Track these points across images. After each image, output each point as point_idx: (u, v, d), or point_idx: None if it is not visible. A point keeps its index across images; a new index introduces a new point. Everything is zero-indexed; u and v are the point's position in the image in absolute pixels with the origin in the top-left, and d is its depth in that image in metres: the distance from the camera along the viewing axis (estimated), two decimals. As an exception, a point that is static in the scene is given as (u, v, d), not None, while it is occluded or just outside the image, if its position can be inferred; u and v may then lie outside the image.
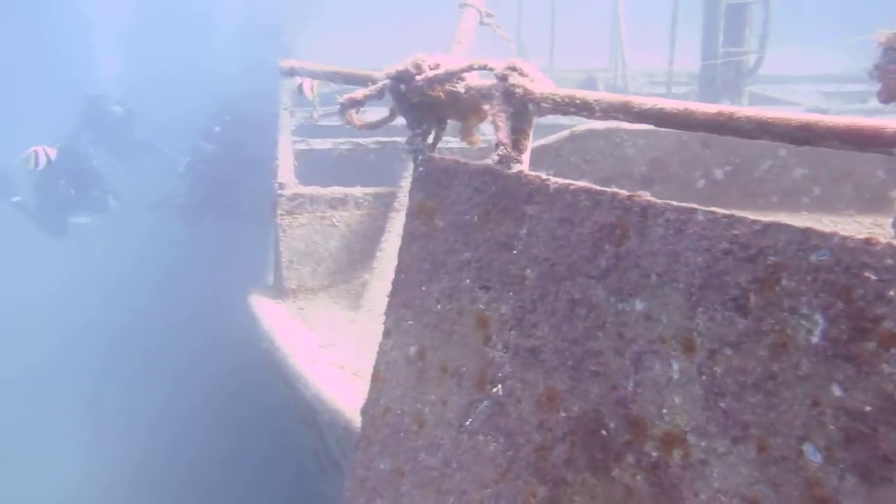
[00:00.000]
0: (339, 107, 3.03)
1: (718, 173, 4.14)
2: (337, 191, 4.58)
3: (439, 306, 2.48)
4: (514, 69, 2.16)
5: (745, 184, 4.07)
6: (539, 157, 4.47)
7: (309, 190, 4.56)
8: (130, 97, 13.12)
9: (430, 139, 2.71)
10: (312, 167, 5.62)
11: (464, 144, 2.64)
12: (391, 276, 4.19)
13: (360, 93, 2.89)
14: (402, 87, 2.62)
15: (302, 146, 6.01)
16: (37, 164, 5.77)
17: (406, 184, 4.35)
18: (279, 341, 3.91)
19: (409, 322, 2.63)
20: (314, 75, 3.86)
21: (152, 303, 11.80)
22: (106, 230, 12.07)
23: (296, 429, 5.06)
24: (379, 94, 2.90)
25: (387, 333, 2.73)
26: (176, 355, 10.92)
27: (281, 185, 4.53)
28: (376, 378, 2.74)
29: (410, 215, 2.69)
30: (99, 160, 11.76)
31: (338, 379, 3.42)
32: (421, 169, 2.67)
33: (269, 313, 4.35)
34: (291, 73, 4.15)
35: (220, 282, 11.59)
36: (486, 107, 2.57)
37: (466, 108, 2.57)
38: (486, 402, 2.29)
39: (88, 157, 11.48)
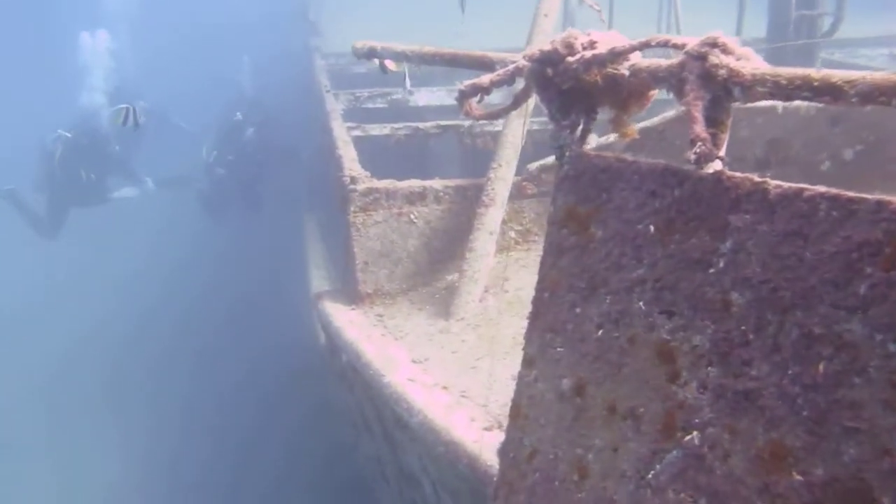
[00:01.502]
0: (458, 93, 2.62)
1: (848, 153, 3.69)
2: (414, 184, 4.17)
3: (601, 333, 2.08)
4: (714, 44, 1.73)
5: (881, 164, 3.62)
6: (639, 141, 4.03)
7: (384, 184, 4.16)
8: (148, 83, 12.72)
9: (579, 132, 2.29)
10: (367, 155, 5.23)
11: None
12: (484, 280, 3.79)
13: (486, 78, 2.47)
14: (549, 70, 2.19)
15: (357, 132, 5.60)
16: (125, 121, 5.35)
17: (496, 175, 3.94)
18: (368, 355, 3.52)
19: (559, 350, 2.23)
20: (399, 57, 3.44)
21: (177, 296, 11.55)
22: (125, 215, 11.73)
23: (366, 448, 4.71)
24: (509, 80, 2.48)
25: (528, 362, 2.33)
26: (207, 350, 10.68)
27: (353, 180, 4.13)
28: (517, 414, 2.34)
29: (555, 223, 2.28)
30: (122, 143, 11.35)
31: (447, 404, 3.03)
32: (569, 168, 2.24)
33: (348, 322, 3.96)
34: (370, 55, 3.74)
35: (245, 274, 11.33)
36: (653, 92, 2.16)
37: (629, 95, 2.14)
38: (676, 453, 1.88)
39: (111, 141, 11.06)
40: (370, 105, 7.00)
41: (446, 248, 4.20)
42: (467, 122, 5.67)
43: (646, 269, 1.98)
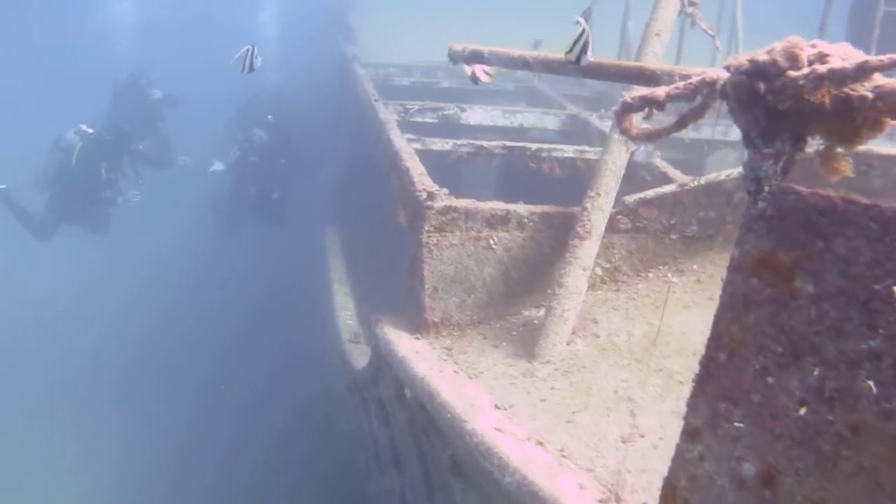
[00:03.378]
0: (619, 106, 2.22)
1: None
2: (497, 206, 3.76)
3: (806, 412, 1.66)
4: None
5: None
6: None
7: (464, 203, 3.75)
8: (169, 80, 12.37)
9: (781, 163, 1.89)
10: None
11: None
12: (573, 320, 3.38)
13: (660, 91, 2.07)
14: (762, 85, 1.79)
15: (417, 145, 5.21)
16: (244, 66, 4.89)
17: (594, 205, 3.54)
18: (444, 395, 3.10)
19: (739, 425, 1.81)
20: (514, 64, 3.06)
21: (187, 304, 11.17)
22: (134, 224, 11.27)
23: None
24: (692, 94, 2.09)
25: (692, 434, 1.91)
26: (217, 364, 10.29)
27: (431, 196, 3.72)
28: (671, 496, 1.93)
29: (742, 270, 1.87)
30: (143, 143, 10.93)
31: (547, 464, 2.60)
32: (768, 205, 1.84)
33: (413, 352, 3.54)
34: (472, 59, 3.35)
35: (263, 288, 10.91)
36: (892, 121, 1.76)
37: (863, 121, 1.75)
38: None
39: (135, 139, 10.62)
40: (419, 119, 6.62)
41: (525, 279, 3.79)
42: (534, 146, 5.29)
43: (883, 342, 1.57)
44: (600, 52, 7.82)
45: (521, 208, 3.77)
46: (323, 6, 13.50)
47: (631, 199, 3.76)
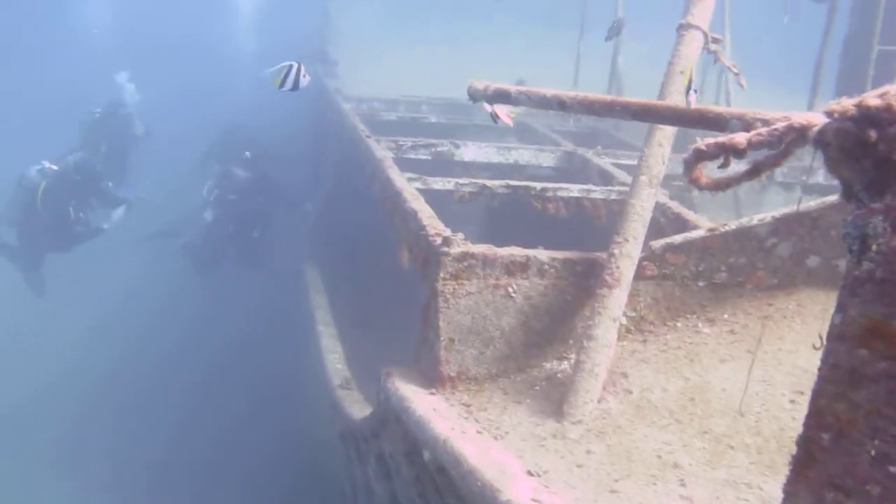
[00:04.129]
0: (690, 153, 2.02)
1: None
2: (516, 252, 3.55)
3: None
4: None
5: None
6: (788, 227, 3.49)
7: (481, 249, 3.53)
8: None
9: (892, 219, 1.70)
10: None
11: None
12: (602, 375, 3.16)
13: (741, 137, 1.88)
14: (873, 133, 1.60)
15: (418, 185, 5.01)
16: (284, 83, 4.44)
17: (622, 252, 3.34)
18: (472, 460, 2.85)
19: (850, 516, 1.60)
20: (548, 104, 2.86)
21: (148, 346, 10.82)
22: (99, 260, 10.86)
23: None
24: (776, 142, 1.90)
25: (793, 522, 1.70)
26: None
27: (446, 241, 3.50)
28: None
29: (848, 340, 1.67)
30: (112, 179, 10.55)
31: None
32: (878, 267, 1.64)
33: (431, 410, 3.29)
34: (497, 98, 3.15)
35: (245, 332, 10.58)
36: None
37: None
38: None
39: (104, 177, 10.25)
40: (412, 155, 6.41)
41: (546, 329, 3.57)
42: (539, 185, 5.11)
43: None
44: (590, 89, 7.70)
45: (542, 254, 3.56)
46: (300, 35, 13.33)
47: (658, 244, 3.57)
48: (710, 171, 2.22)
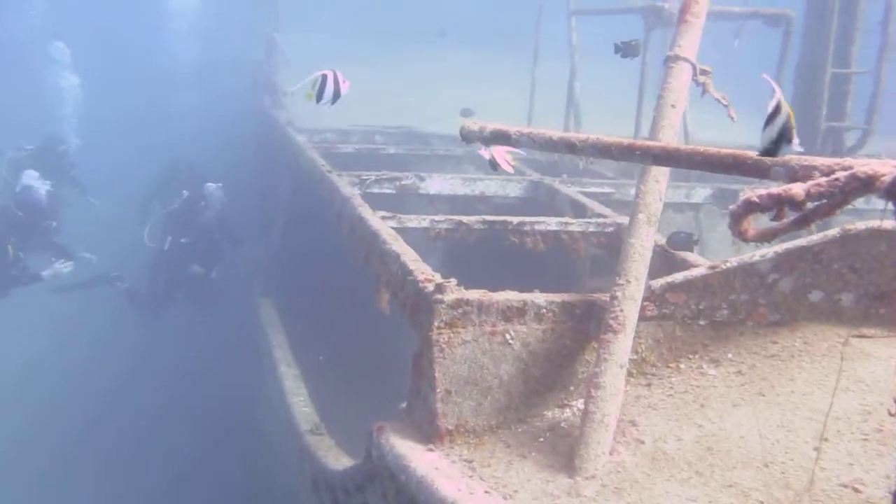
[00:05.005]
0: (739, 205, 1.90)
1: None
2: (512, 297, 3.39)
3: None
4: None
5: None
6: (790, 262, 3.41)
7: (476, 295, 3.37)
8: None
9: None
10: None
11: None
12: (612, 425, 3.02)
13: (799, 189, 1.77)
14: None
15: (392, 223, 4.83)
16: (321, 94, 4.06)
17: (624, 294, 3.21)
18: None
19: None
20: (553, 146, 2.72)
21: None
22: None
23: None
24: (837, 193, 1.79)
25: None
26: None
27: (439, 288, 3.33)
28: None
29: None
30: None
31: None
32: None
33: (433, 469, 3.09)
34: (494, 140, 3.00)
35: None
36: None
37: None
38: None
39: (49, 216, 9.77)
40: (377, 189, 6.24)
41: (546, 376, 3.42)
42: (515, 219, 4.98)
43: None
44: (546, 116, 7.58)
45: (539, 298, 3.41)
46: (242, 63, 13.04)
47: (658, 283, 3.45)
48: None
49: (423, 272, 3.64)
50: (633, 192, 6.85)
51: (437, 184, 6.39)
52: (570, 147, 2.63)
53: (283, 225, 9.19)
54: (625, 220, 5.14)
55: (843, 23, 6.99)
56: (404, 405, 3.77)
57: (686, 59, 3.60)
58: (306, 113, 10.15)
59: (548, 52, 9.49)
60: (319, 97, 4.10)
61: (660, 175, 3.41)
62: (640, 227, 3.35)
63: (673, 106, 3.52)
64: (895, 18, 7.00)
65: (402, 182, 6.34)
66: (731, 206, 1.89)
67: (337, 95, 4.05)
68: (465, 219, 4.94)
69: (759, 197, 1.81)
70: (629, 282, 3.25)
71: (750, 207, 1.85)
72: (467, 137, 3.13)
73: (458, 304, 3.34)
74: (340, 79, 4.15)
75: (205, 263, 9.59)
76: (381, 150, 8.31)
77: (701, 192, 6.82)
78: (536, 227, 4.95)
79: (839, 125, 6.97)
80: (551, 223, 4.99)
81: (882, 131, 7.28)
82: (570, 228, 4.97)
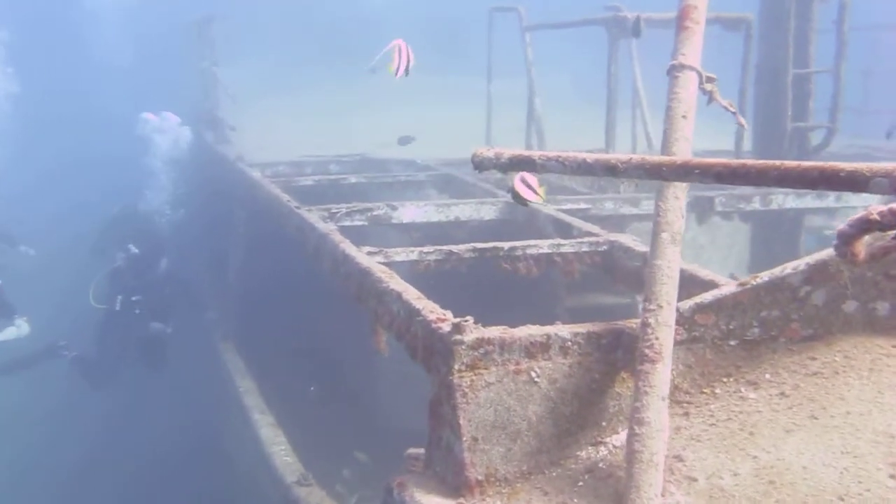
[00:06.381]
0: (851, 225, 1.69)
1: None
2: (534, 332, 3.15)
3: None
4: None
5: None
6: (820, 273, 3.24)
7: (496, 332, 3.12)
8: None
9: None
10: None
11: None
12: (661, 463, 2.80)
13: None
14: None
15: (379, 258, 4.57)
16: (399, 66, 3.86)
17: (658, 320, 2.99)
18: None
19: None
20: (589, 169, 2.50)
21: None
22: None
23: None
24: None
25: None
26: None
27: (458, 328, 3.07)
28: None
29: None
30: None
31: None
32: None
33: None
34: (516, 166, 2.77)
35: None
36: None
37: None
38: None
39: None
40: (348, 222, 5.96)
41: (577, 413, 3.18)
42: (506, 245, 4.76)
43: None
44: (510, 135, 7.42)
45: (563, 330, 3.18)
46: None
47: (686, 305, 3.25)
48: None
49: (433, 311, 3.39)
50: (608, 206, 6.77)
51: (410, 212, 6.15)
52: (611, 170, 2.42)
53: (239, 265, 8.82)
54: (618, 237, 4.98)
55: (798, 25, 7.00)
56: (411, 451, 3.50)
57: (692, 68, 3.43)
58: (255, 146, 9.83)
59: (501, 70, 9.34)
60: (399, 68, 3.92)
61: (679, 191, 3.22)
62: (666, 247, 3.15)
63: (684, 117, 3.34)
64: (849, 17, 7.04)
65: (374, 213, 6.08)
66: (841, 227, 1.69)
67: (407, 69, 3.85)
68: (454, 248, 4.71)
69: (882, 214, 1.61)
70: (661, 307, 3.04)
71: (868, 225, 1.64)
72: (481, 166, 2.88)
73: (479, 343, 3.09)
74: (409, 52, 3.94)
75: (162, 319, 9.09)
76: (342, 181, 8.02)
77: None
78: (528, 251, 4.74)
79: (804, 125, 6.96)
80: (543, 246, 4.78)
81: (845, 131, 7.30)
82: (563, 250, 4.77)
